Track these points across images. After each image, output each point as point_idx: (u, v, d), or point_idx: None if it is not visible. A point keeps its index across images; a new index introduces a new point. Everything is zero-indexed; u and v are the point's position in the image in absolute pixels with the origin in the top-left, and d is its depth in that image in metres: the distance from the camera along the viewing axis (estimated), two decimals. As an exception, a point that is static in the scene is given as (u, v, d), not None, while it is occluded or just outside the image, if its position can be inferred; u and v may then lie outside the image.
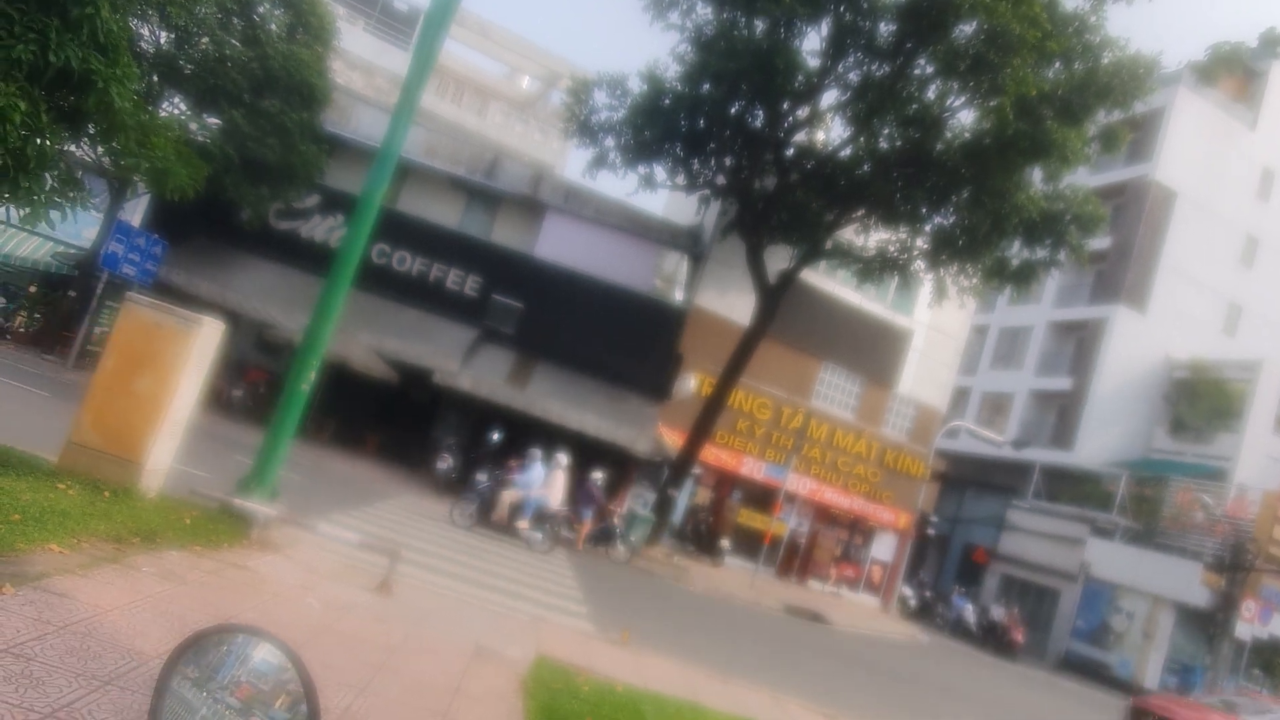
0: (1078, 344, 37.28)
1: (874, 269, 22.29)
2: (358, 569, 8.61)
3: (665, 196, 37.82)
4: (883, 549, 27.55)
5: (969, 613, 29.45)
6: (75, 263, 22.99)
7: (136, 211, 23.57)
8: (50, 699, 3.61)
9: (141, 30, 18.31)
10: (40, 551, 5.39)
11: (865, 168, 20.83)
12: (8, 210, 8.24)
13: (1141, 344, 35.41)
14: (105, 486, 7.46)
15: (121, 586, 5.46)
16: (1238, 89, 39.10)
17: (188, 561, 6.67)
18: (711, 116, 20.95)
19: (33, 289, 24.37)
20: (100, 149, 14.51)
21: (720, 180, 22.37)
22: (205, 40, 19.29)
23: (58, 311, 22.09)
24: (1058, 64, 18.85)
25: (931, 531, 30.99)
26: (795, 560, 26.31)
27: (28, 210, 8.06)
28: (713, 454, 24.41)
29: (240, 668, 1.47)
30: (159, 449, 8.03)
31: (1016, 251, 21.58)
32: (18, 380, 15.91)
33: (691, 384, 24.10)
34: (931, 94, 20.23)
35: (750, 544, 24.20)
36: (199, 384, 8.47)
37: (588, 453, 21.10)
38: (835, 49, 19.86)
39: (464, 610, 8.72)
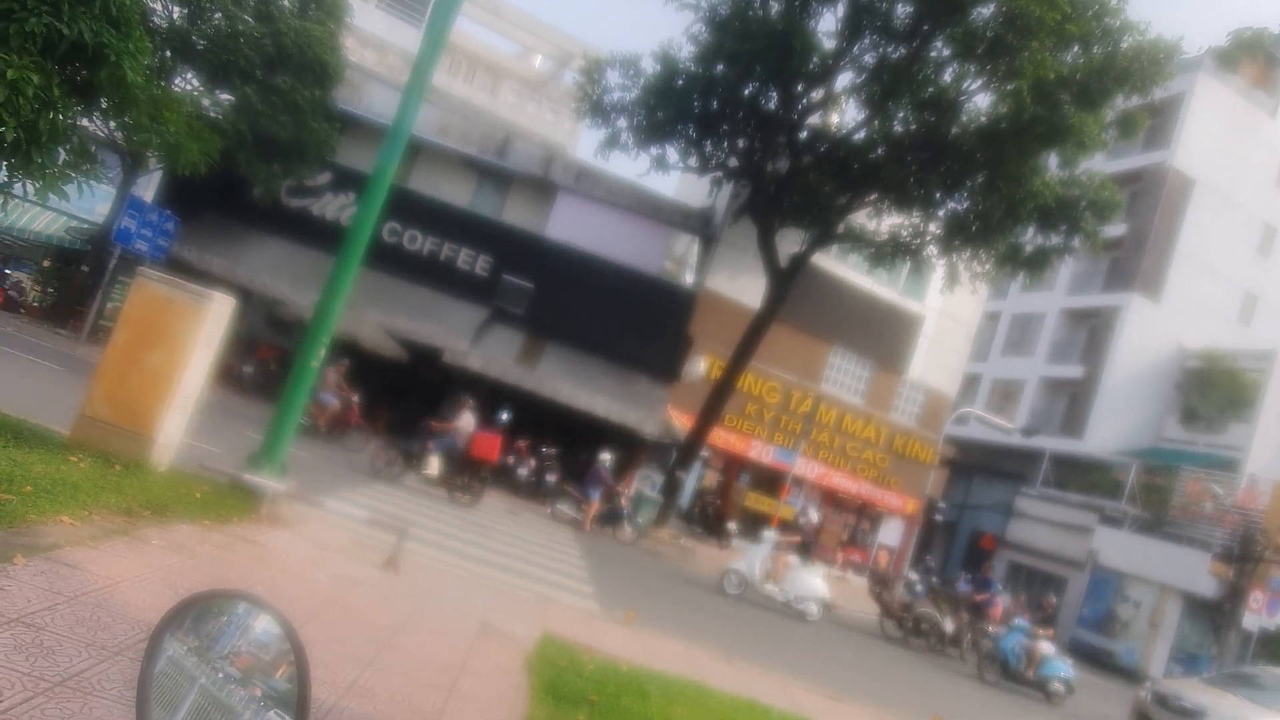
0: (1090, 332, 37.03)
1: (886, 253, 22.17)
2: (366, 545, 8.66)
3: (677, 178, 37.74)
4: (890, 534, 27.57)
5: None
6: (88, 238, 23.09)
7: (149, 187, 23.63)
8: (61, 668, 3.66)
9: (154, 5, 18.28)
10: (52, 523, 5.44)
11: (879, 151, 20.68)
12: (24, 185, 8.24)
13: (1155, 332, 35.14)
14: (116, 460, 7.51)
15: (132, 559, 5.50)
16: (1259, 75, 38.53)
17: (197, 535, 6.72)
18: (725, 98, 20.82)
19: (46, 263, 24.51)
20: (113, 123, 14.55)
21: (733, 162, 22.25)
22: (218, 16, 19.25)
23: (71, 286, 22.20)
24: (1076, 48, 18.62)
25: (939, 517, 30.97)
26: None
27: (40, 184, 8.08)
28: (721, 437, 24.42)
29: (240, 638, 1.48)
30: (170, 423, 8.07)
31: (1030, 238, 21.42)
32: (31, 354, 16.03)
33: (701, 366, 24.09)
34: (948, 77, 20.05)
35: (757, 527, 24.23)
36: (210, 359, 8.50)
37: (596, 434, 21.15)
38: (851, 30, 19.67)
39: (471, 588, 8.77)
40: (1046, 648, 16.09)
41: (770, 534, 16.54)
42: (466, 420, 16.38)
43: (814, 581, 15.95)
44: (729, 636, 11.40)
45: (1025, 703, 15.32)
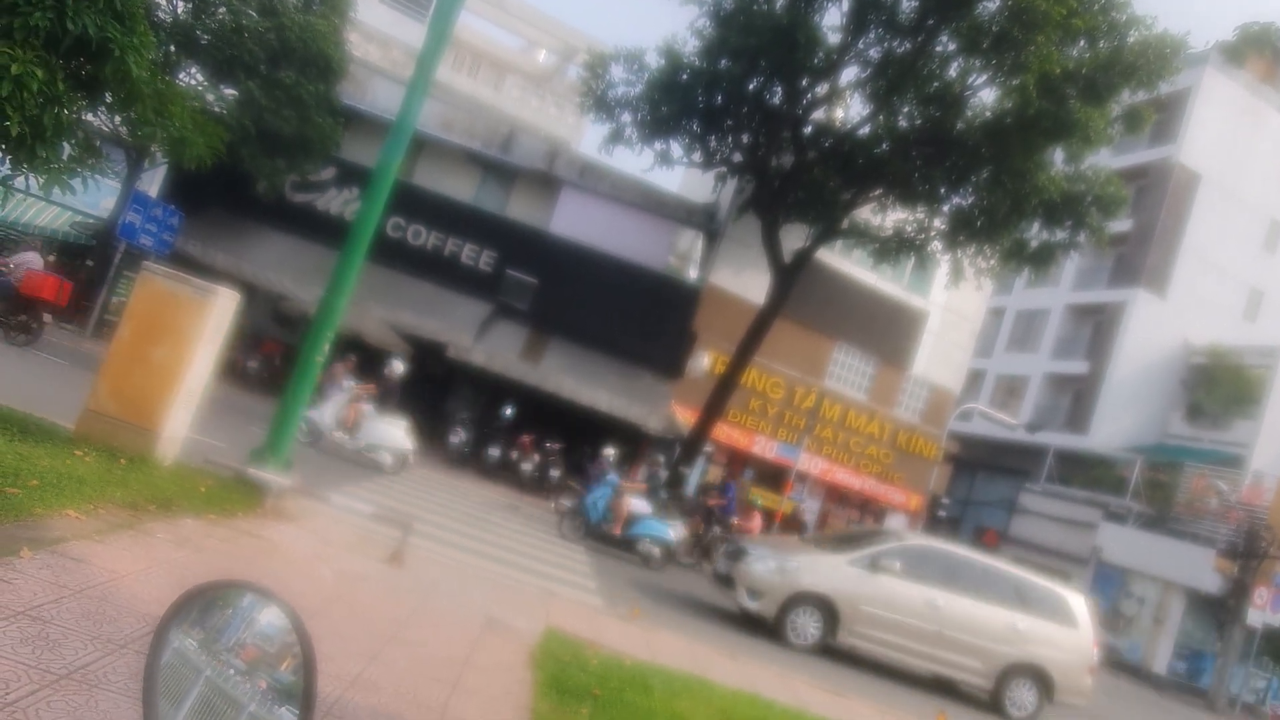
0: (1095, 327, 36.94)
1: (890, 249, 22.13)
2: (370, 540, 8.68)
3: (681, 173, 37.71)
4: (893, 530, 27.53)
5: (978, 595, 29.42)
6: (93, 232, 23.12)
7: (154, 182, 23.64)
8: (66, 660, 3.67)
9: (159, -1, 18.28)
10: (58, 517, 5.45)
11: (884, 146, 20.63)
12: (27, 179, 8.25)
13: (1160, 328, 35.05)
14: (122, 454, 7.52)
15: (137, 552, 5.52)
16: (1266, 70, 38.37)
17: (202, 529, 6.74)
18: (729, 93, 20.77)
19: (51, 258, 24.53)
20: (118, 118, 14.55)
21: (737, 157, 22.21)
22: (222, 10, 19.24)
23: (76, 281, 22.22)
24: (1082, 42, 18.55)
25: (942, 513, 30.94)
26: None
27: (45, 179, 8.08)
28: (725, 432, 24.42)
29: (246, 630, 1.48)
30: (175, 418, 8.09)
31: (1035, 233, 21.37)
32: (37, 349, 16.06)
33: (705, 362, 24.07)
34: (953, 72, 19.99)
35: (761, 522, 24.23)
36: (214, 354, 8.52)
37: (600, 429, 21.17)
38: (856, 25, 19.61)
39: (475, 582, 8.79)
40: (638, 505, 14.87)
41: (348, 383, 15.86)
42: (26, 257, 16.09)
43: (391, 431, 15.40)
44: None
45: (612, 563, 14.05)
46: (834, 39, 20.13)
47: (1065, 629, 12.06)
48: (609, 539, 14.66)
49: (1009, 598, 12.02)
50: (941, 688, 12.21)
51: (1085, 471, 34.07)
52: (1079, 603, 12.38)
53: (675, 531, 15.16)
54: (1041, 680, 11.88)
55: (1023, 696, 11.89)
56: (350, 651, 5.15)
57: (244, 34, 18.91)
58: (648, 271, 24.44)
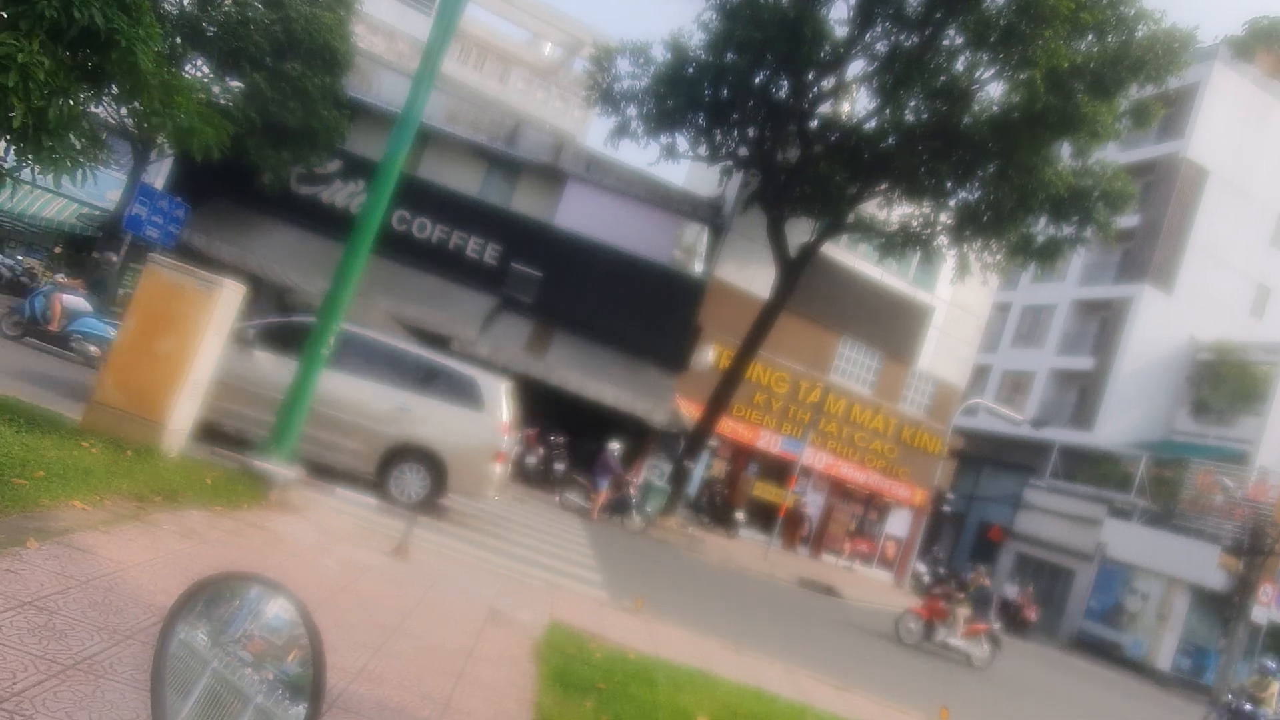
0: (1101, 323, 36.83)
1: (896, 243, 22.07)
2: (375, 532, 8.70)
3: (687, 167, 37.65)
4: (897, 525, 27.54)
5: (982, 590, 29.42)
6: (99, 225, 23.16)
7: (159, 174, 23.67)
8: (73, 651, 3.68)
9: (165, -9, 18.24)
10: (64, 508, 5.47)
11: (890, 140, 20.56)
12: (33, 171, 8.25)
13: (1166, 324, 34.93)
14: (128, 445, 7.54)
15: (143, 543, 5.54)
16: (1275, 65, 38.12)
17: (208, 520, 6.76)
18: (735, 86, 20.72)
19: (58, 250, 24.61)
20: (124, 109, 14.56)
21: (743, 151, 22.16)
22: (228, 2, 19.21)
23: (82, 273, 22.27)
24: (1090, 36, 18.46)
25: (947, 509, 30.94)
26: (801, 531, 26.32)
27: (51, 168, 8.08)
28: (729, 426, 24.41)
29: (253, 622, 1.48)
30: (181, 409, 8.11)
31: (1042, 228, 21.30)
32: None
33: (710, 356, 24.05)
34: (960, 66, 19.89)
35: (765, 517, 24.25)
36: (220, 346, 8.53)
37: (605, 423, 21.17)
38: (863, 18, 19.54)
39: (479, 575, 8.81)
40: (74, 302, 14.51)
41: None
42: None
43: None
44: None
45: (51, 361, 13.96)
46: (841, 32, 20.06)
47: (468, 412, 11.31)
48: (46, 336, 14.70)
49: (404, 379, 11.38)
50: (948, 674, 12.18)
51: (1090, 467, 34.02)
52: (489, 385, 11.51)
53: (115, 331, 14.95)
54: (433, 464, 11.18)
55: (409, 481, 11.23)
56: (355, 643, 5.16)
57: (250, 26, 18.88)
58: (653, 265, 24.40)
